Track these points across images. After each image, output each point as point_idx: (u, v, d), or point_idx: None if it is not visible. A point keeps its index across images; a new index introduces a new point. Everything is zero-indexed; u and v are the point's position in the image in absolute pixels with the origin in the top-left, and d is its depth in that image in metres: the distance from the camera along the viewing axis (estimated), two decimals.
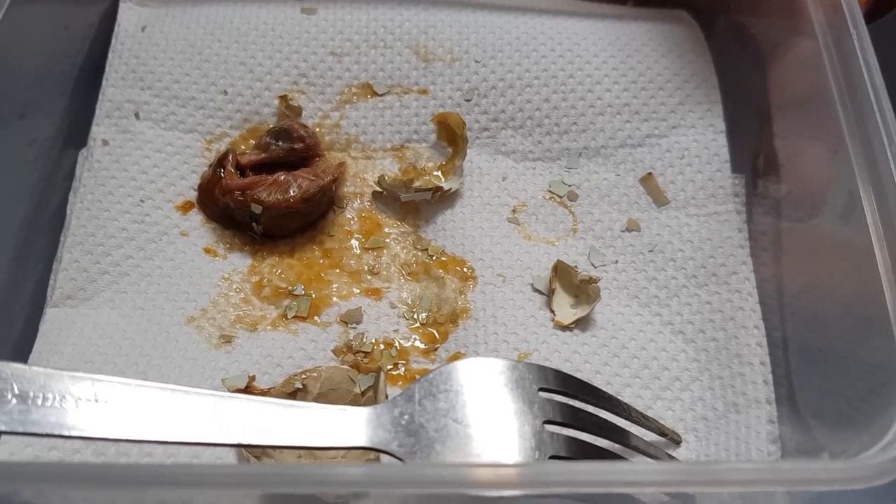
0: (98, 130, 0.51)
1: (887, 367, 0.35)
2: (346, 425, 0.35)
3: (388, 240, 0.50)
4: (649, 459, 0.40)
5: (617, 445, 0.39)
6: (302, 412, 0.35)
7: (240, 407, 0.35)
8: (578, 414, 0.39)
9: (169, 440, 0.34)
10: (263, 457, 0.41)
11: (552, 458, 0.36)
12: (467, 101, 0.53)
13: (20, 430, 0.32)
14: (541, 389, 0.38)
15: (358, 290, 0.48)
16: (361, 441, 0.35)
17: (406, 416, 0.36)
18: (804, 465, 0.31)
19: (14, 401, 0.32)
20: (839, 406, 0.40)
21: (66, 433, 0.33)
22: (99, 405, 0.33)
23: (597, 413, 0.40)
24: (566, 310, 0.46)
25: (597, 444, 0.39)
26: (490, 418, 0.37)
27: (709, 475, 0.28)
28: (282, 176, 0.49)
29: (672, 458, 0.41)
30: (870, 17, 0.47)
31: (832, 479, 0.28)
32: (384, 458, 0.36)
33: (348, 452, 0.40)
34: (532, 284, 0.48)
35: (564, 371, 0.43)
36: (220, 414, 0.34)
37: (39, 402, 0.33)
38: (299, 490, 0.30)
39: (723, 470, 0.28)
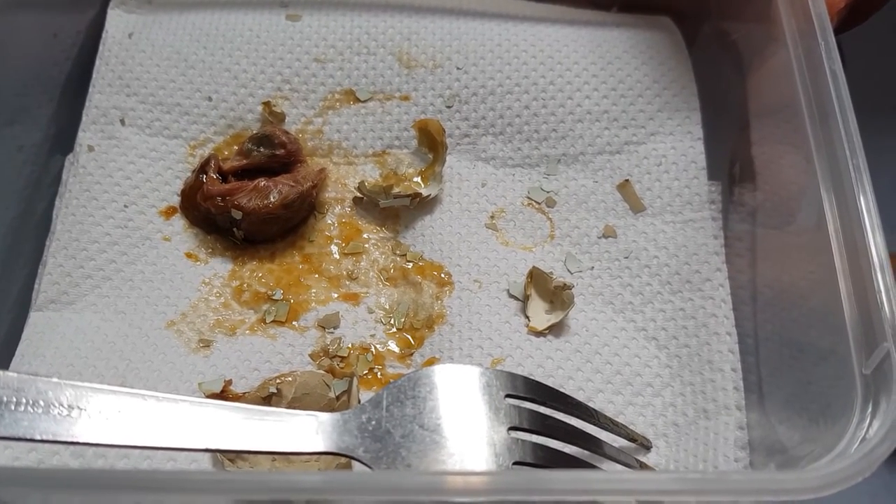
0: (84, 136, 0.52)
1: (844, 377, 0.36)
2: (314, 431, 0.36)
3: (367, 245, 0.50)
4: (617, 465, 0.41)
5: (585, 452, 0.40)
6: (269, 417, 0.36)
7: (210, 412, 0.36)
8: (545, 420, 0.39)
9: (141, 445, 0.35)
10: (238, 460, 0.42)
11: (516, 464, 0.37)
12: (448, 107, 0.54)
13: None
14: (508, 396, 0.39)
15: (336, 295, 0.48)
16: (328, 446, 0.36)
17: (373, 422, 0.37)
18: (751, 476, 0.32)
19: None
20: (809, 413, 0.41)
21: (38, 437, 0.33)
22: (72, 410, 0.34)
23: (565, 419, 0.40)
24: (541, 315, 0.47)
25: (564, 450, 0.39)
26: (456, 424, 0.37)
27: (655, 484, 0.29)
28: (262, 182, 0.49)
29: (642, 463, 0.42)
30: (843, 26, 0.47)
31: (779, 490, 0.29)
32: (355, 464, 0.37)
33: (321, 457, 0.41)
34: (508, 290, 0.48)
35: (537, 376, 0.44)
36: (192, 419, 0.35)
37: (13, 406, 0.34)
38: (261, 496, 0.31)
39: (670, 479, 0.29)
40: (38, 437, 0.33)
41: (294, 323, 0.47)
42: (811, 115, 0.42)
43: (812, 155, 0.42)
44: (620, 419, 0.44)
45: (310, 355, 0.46)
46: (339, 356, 0.46)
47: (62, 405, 0.34)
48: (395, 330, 0.47)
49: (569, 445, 0.40)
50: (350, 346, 0.46)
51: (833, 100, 0.40)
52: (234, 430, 0.35)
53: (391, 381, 0.43)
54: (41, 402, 0.34)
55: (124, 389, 0.35)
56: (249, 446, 0.36)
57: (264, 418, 0.36)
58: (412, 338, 0.47)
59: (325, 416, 0.37)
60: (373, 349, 0.46)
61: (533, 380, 0.40)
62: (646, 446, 0.43)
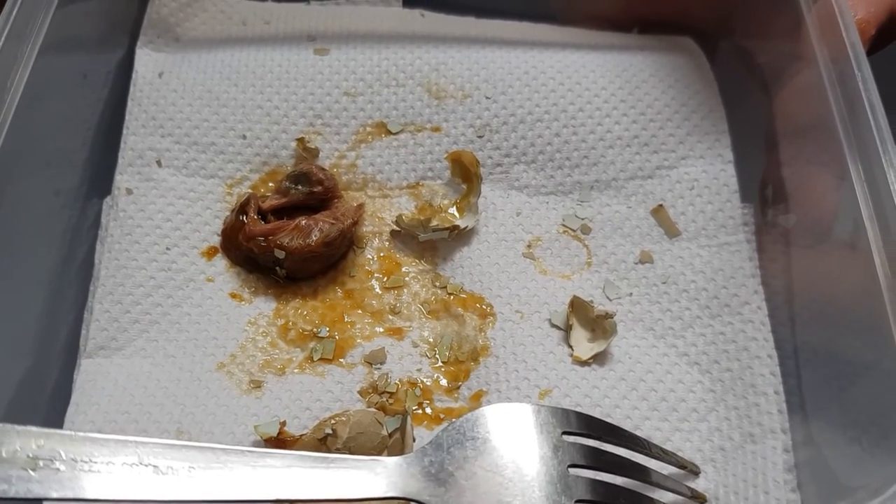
0: (122, 179, 0.52)
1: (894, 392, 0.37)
2: (379, 476, 0.37)
3: (407, 279, 0.51)
4: (670, 494, 0.42)
5: (639, 483, 0.41)
6: (335, 464, 0.37)
7: (274, 462, 0.36)
8: (601, 455, 0.40)
9: (210, 498, 0.36)
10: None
11: (578, 502, 0.38)
12: (479, 137, 0.54)
13: (70, 496, 0.34)
14: (564, 433, 0.40)
15: (380, 330, 0.49)
16: (394, 491, 0.37)
17: (436, 465, 0.38)
18: None
19: (63, 468, 0.34)
20: (853, 434, 0.42)
21: (114, 497, 0.34)
22: (143, 468, 0.35)
23: (618, 452, 0.41)
24: (584, 345, 0.48)
25: (618, 482, 0.40)
26: (517, 464, 0.38)
27: None
28: (303, 221, 0.50)
29: (694, 491, 0.43)
30: (871, 50, 0.48)
31: None
32: None
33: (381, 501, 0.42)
34: (550, 320, 0.49)
35: (585, 406, 0.45)
36: (256, 470, 0.36)
37: (87, 467, 0.34)
38: None
39: None
40: (115, 498, 0.34)
41: (341, 360, 0.48)
42: (848, 139, 0.43)
43: (848, 174, 0.42)
44: (668, 446, 0.44)
45: (359, 392, 0.47)
46: (388, 392, 0.47)
47: (135, 463, 0.35)
48: (440, 363, 0.48)
49: (625, 478, 0.40)
50: (398, 381, 0.47)
51: (872, 129, 0.41)
52: (302, 477, 0.36)
53: (447, 420, 0.44)
54: (114, 462, 0.34)
55: (192, 444, 0.36)
56: (318, 494, 0.36)
57: (329, 465, 0.37)
58: (458, 371, 0.48)
59: (388, 461, 0.37)
60: (420, 383, 0.47)
61: (585, 414, 0.41)
62: (695, 472, 0.44)
